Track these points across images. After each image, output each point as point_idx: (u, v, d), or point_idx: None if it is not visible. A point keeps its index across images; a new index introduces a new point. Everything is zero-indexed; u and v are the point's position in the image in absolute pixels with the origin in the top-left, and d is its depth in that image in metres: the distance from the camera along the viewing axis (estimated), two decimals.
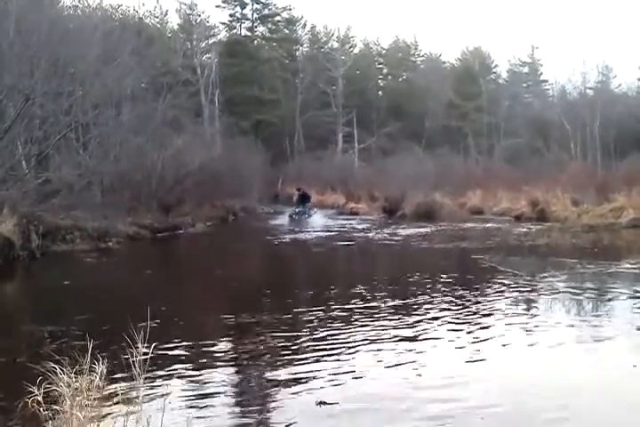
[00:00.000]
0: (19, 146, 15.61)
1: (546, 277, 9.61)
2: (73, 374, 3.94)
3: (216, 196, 23.66)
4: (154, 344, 4.07)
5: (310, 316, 7.11)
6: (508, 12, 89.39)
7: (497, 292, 8.47)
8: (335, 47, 55.33)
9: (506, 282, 9.17)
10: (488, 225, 20.43)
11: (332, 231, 19.29)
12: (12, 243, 11.38)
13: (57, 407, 3.75)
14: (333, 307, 7.54)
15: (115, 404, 4.26)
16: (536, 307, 7.63)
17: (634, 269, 10.56)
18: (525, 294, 8.32)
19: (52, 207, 14.21)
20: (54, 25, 19.65)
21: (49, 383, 3.90)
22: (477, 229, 19.01)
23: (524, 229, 18.50)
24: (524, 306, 7.64)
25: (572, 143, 44.13)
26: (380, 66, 60.07)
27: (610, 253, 13.34)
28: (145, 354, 3.95)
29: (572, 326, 6.50)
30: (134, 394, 4.22)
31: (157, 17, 49.02)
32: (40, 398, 3.83)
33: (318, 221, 23.48)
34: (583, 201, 21.19)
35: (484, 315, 7.08)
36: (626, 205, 19.03)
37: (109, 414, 4.08)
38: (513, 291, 8.48)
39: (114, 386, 4.44)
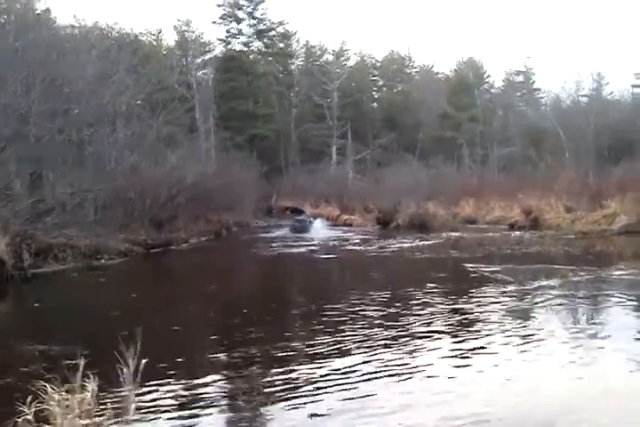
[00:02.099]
0: (12, 165, 15.68)
1: (539, 284, 9.66)
2: (64, 393, 3.99)
3: (210, 210, 23.69)
4: (144, 361, 4.12)
5: (305, 329, 7.16)
6: (502, 22, 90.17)
7: (490, 300, 8.51)
8: (330, 60, 55.73)
9: (499, 290, 9.23)
10: (481, 234, 20.52)
11: (326, 244, 19.36)
12: (3, 262, 11.35)
13: (48, 426, 3.80)
14: (328, 321, 7.57)
15: (106, 421, 4.30)
16: (531, 315, 7.66)
17: (627, 275, 10.62)
18: (519, 302, 8.39)
19: (45, 226, 14.22)
20: (51, 44, 19.86)
21: (40, 402, 3.95)
22: (471, 239, 19.10)
23: (518, 238, 18.60)
24: (519, 314, 7.67)
25: (565, 151, 44.28)
26: (375, 78, 60.45)
27: (603, 260, 13.41)
28: (135, 372, 4.01)
29: (567, 333, 6.53)
30: (125, 412, 4.26)
31: (153, 34, 49.44)
32: (31, 417, 3.88)
33: (319, 231, 23.90)
34: (576, 208, 21.32)
35: (478, 324, 7.13)
36: (618, 212, 19.13)
37: None
38: (507, 299, 8.54)
39: (105, 404, 4.48)
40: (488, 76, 59.32)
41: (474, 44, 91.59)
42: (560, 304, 8.16)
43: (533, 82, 59.35)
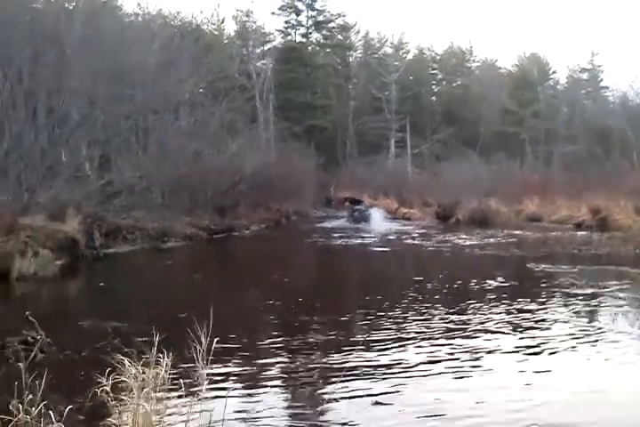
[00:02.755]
0: (83, 148, 16.17)
1: (607, 287, 9.27)
2: (140, 367, 4.04)
3: (270, 199, 23.91)
4: (216, 339, 4.13)
5: (364, 320, 7.10)
6: (567, 17, 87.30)
7: (556, 301, 8.25)
8: (388, 53, 55.22)
9: (565, 291, 8.91)
10: (546, 233, 19.91)
11: (385, 236, 19.20)
12: (76, 241, 11.77)
13: (124, 398, 3.85)
14: (387, 312, 7.51)
15: (178, 396, 4.33)
16: (597, 318, 7.37)
17: None
18: (586, 304, 8.06)
19: (114, 208, 14.65)
20: (116, 31, 20.34)
21: (117, 375, 4.01)
22: (535, 237, 18.53)
23: (585, 238, 17.94)
24: (585, 317, 7.40)
25: (634, 150, 42.59)
26: (434, 71, 59.53)
27: None
28: (208, 350, 4.02)
29: (635, 338, 6.26)
30: (197, 387, 4.28)
31: (214, 24, 50.01)
32: (108, 389, 3.95)
33: (378, 222, 23.76)
34: None
35: (543, 325, 6.90)
36: None
37: (174, 406, 4.15)
38: (572, 301, 8.22)
39: (178, 379, 4.51)
40: (553, 72, 57.63)
41: (537, 39, 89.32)
42: (629, 307, 7.84)
43: (601, 79, 57.28)
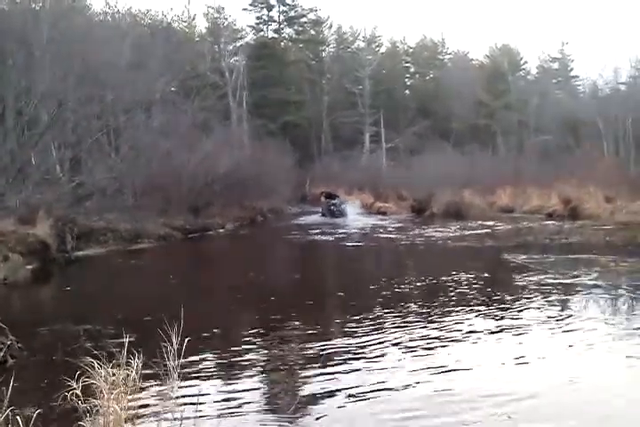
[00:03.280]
0: (52, 150, 15.99)
1: (579, 275, 9.47)
2: (110, 369, 4.05)
3: (245, 197, 23.84)
4: (187, 339, 4.15)
5: (339, 316, 7.16)
6: (537, 7, 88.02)
7: (529, 290, 8.39)
8: (361, 47, 55.29)
9: (537, 280, 9.07)
10: (518, 223, 20.20)
11: (361, 231, 19.31)
12: (47, 245, 11.66)
13: (95, 400, 3.86)
14: (363, 307, 7.57)
15: (150, 397, 4.36)
16: (570, 306, 7.51)
17: None
18: (558, 292, 8.21)
19: (86, 210, 14.51)
20: (85, 31, 20.10)
21: (87, 377, 4.01)
22: (508, 228, 18.81)
23: (556, 227, 18.25)
24: (558, 305, 7.53)
25: (603, 140, 43.27)
26: (407, 65, 59.75)
27: None
28: (179, 349, 4.05)
29: (607, 324, 6.41)
30: (168, 388, 4.31)
31: (185, 21, 49.56)
32: (79, 392, 3.95)
33: (353, 216, 23.99)
34: (616, 198, 20.81)
35: (517, 314, 7.03)
36: None
37: (145, 406, 4.18)
38: (545, 289, 8.37)
39: (149, 380, 4.54)
40: (525, 63, 58.24)
41: (508, 30, 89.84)
42: (600, 294, 8.02)
43: (571, 69, 58.01)
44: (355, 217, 24.73)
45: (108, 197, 16.14)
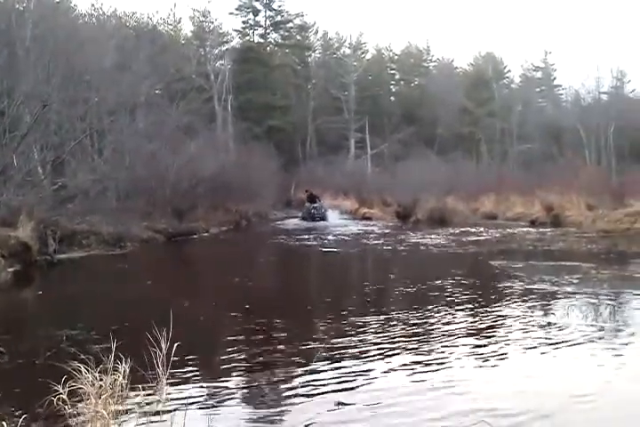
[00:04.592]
0: (35, 152, 15.81)
1: (560, 282, 9.54)
2: (97, 373, 3.99)
3: (229, 201, 23.78)
4: (176, 344, 4.11)
5: (324, 323, 7.13)
6: (521, 16, 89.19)
7: (511, 297, 8.43)
8: (347, 53, 55.54)
9: (520, 287, 9.13)
10: (502, 230, 20.36)
11: (344, 236, 19.31)
12: (29, 247, 11.51)
13: (81, 405, 3.80)
14: (348, 311, 7.59)
15: (137, 403, 4.30)
16: (551, 313, 7.54)
17: None
18: (539, 299, 8.26)
19: (68, 213, 14.36)
20: (70, 32, 19.95)
21: (74, 382, 3.95)
22: (491, 235, 18.94)
23: (539, 235, 18.41)
24: (539, 311, 7.56)
25: (585, 148, 43.85)
26: (393, 71, 60.13)
27: (625, 259, 13.23)
28: (167, 354, 4.00)
29: (587, 331, 6.44)
30: (157, 393, 4.26)
31: (171, 24, 49.42)
32: (65, 397, 3.89)
33: (334, 221, 24.06)
34: (598, 206, 21.06)
35: (498, 321, 7.05)
36: None
37: (133, 412, 4.12)
38: (527, 296, 8.43)
39: (137, 385, 4.48)
40: (508, 71, 58.92)
41: (493, 39, 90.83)
42: (582, 301, 8.07)
43: (554, 78, 58.77)
44: (339, 222, 24.78)
45: (91, 199, 15.99)
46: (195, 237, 18.63)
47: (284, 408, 4.39)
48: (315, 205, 26.76)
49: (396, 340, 6.12)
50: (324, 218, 25.47)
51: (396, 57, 60.20)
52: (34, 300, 9.52)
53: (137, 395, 4.30)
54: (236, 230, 22.26)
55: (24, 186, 13.91)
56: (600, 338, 6.13)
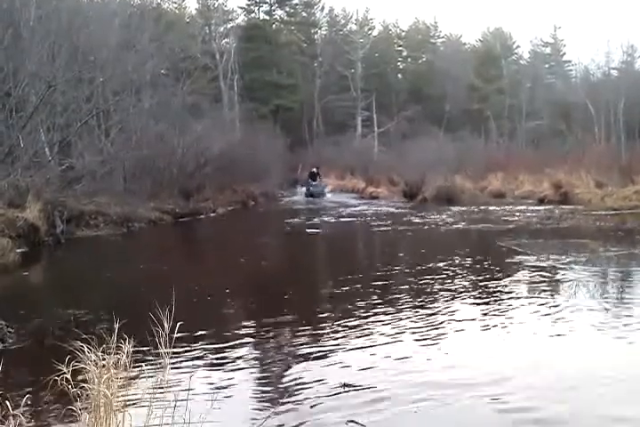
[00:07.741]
0: (41, 133, 15.82)
1: (568, 259, 9.50)
2: (100, 353, 4.02)
3: (236, 181, 23.79)
4: (179, 324, 4.12)
5: (331, 302, 7.15)
6: None
7: (518, 275, 8.42)
8: (354, 30, 54.84)
9: (528, 265, 9.09)
10: (510, 208, 20.26)
11: (350, 215, 19.30)
12: (37, 228, 11.57)
13: (85, 385, 3.84)
14: (356, 293, 7.55)
15: (141, 382, 4.34)
16: (558, 290, 7.53)
17: None
18: (547, 276, 8.23)
19: (76, 193, 14.42)
20: (74, 11, 19.77)
21: (77, 362, 3.99)
22: (499, 213, 18.86)
23: (547, 213, 18.32)
24: (547, 289, 7.54)
25: (595, 125, 43.34)
26: (400, 48, 59.40)
27: (634, 236, 13.16)
28: (171, 334, 4.02)
29: (595, 309, 6.40)
30: (160, 372, 4.29)
31: (175, 2, 48.97)
32: (69, 376, 3.92)
33: (341, 200, 24.23)
34: (607, 183, 20.89)
35: (506, 298, 7.04)
36: None
37: (136, 390, 4.16)
38: (535, 274, 8.39)
39: (140, 365, 4.51)
40: (517, 47, 58.07)
41: (501, 14, 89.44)
42: (589, 279, 8.04)
43: (564, 53, 57.89)
44: (344, 201, 24.82)
45: (98, 180, 16.03)
46: (202, 217, 18.68)
47: (289, 390, 4.38)
48: (314, 182, 27.41)
49: (401, 324, 6.04)
50: (322, 194, 26.54)
51: (404, 33, 59.42)
52: (42, 280, 9.60)
53: (140, 374, 4.35)
54: (244, 210, 22.29)
55: (31, 167, 13.95)
56: (608, 317, 6.09)
